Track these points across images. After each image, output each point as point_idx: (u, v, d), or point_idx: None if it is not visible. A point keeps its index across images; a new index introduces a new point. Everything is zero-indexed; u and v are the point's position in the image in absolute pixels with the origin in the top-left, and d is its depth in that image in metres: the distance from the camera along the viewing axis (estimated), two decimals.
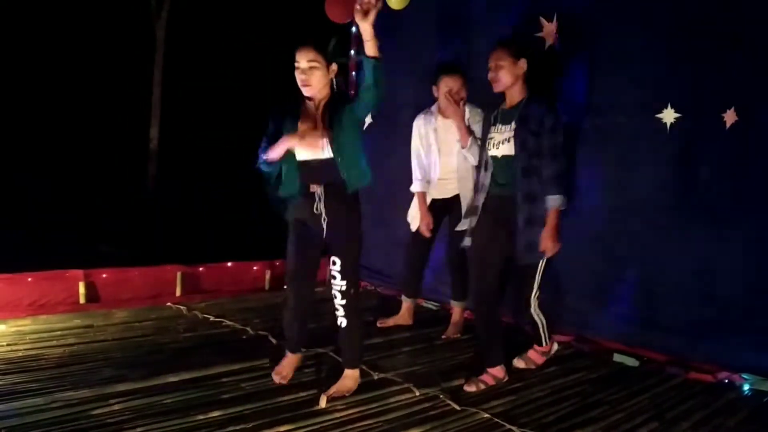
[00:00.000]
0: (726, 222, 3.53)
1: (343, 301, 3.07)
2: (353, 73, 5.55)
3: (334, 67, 3.04)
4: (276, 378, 3.22)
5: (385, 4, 4.85)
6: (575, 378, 3.45)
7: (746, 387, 3.37)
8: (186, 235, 8.46)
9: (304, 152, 3.03)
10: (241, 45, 13.77)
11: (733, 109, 3.47)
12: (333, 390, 3.05)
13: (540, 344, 3.55)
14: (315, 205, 3.05)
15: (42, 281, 4.37)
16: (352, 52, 5.56)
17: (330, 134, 2.97)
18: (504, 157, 3.26)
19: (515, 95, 3.29)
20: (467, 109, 4.00)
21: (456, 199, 4.11)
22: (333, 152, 2.98)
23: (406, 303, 4.44)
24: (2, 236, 6.92)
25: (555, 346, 3.66)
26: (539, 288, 3.38)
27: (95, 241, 7.48)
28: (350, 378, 3.14)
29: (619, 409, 3.05)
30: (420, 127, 4.21)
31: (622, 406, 3.08)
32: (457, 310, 4.30)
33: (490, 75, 3.27)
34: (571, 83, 4.15)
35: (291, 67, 3.03)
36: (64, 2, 12.62)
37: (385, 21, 5.22)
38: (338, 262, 3.06)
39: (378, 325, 4.31)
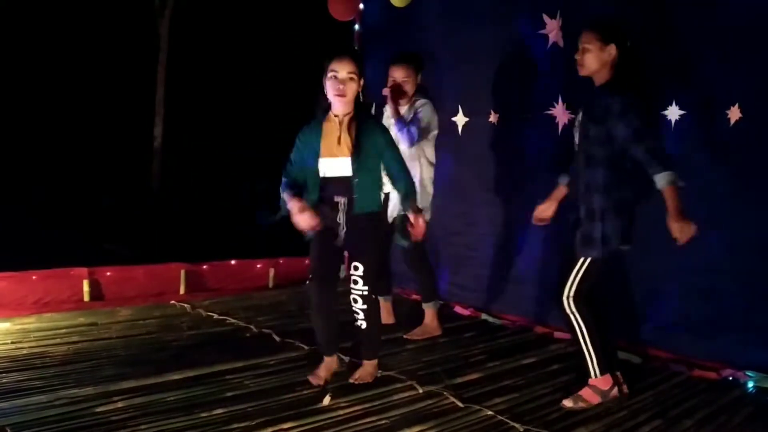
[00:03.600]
0: (730, 218, 3.52)
1: (365, 306, 3.15)
2: None
3: (361, 81, 3.08)
4: (312, 380, 3.18)
5: (389, 4, 4.88)
6: (578, 376, 3.44)
7: (750, 384, 3.36)
8: (190, 233, 8.47)
9: (326, 167, 3.09)
10: (245, 43, 13.78)
11: (737, 105, 3.46)
12: (357, 375, 3.24)
13: (588, 374, 3.04)
14: (338, 215, 3.12)
15: (46, 279, 4.39)
16: (355, 49, 5.56)
17: (355, 154, 3.05)
18: (578, 146, 3.08)
19: (599, 82, 3.02)
20: (418, 103, 3.98)
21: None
22: (353, 172, 3.06)
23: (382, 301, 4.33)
24: (7, 235, 6.95)
25: (615, 391, 3.04)
26: (578, 286, 3.02)
27: (100, 240, 7.51)
28: (371, 365, 3.28)
29: (622, 406, 3.04)
30: (384, 116, 4.17)
31: (626, 404, 3.07)
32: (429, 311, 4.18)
33: (577, 57, 3.04)
34: (574, 80, 4.14)
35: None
36: (69, 2, 12.64)
37: (389, 19, 5.26)
38: (360, 267, 3.13)
39: (406, 336, 4.14)
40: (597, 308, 3.10)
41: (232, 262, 5.29)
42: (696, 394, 3.25)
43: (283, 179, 3.13)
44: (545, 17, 4.23)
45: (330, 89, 3.03)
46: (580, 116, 3.10)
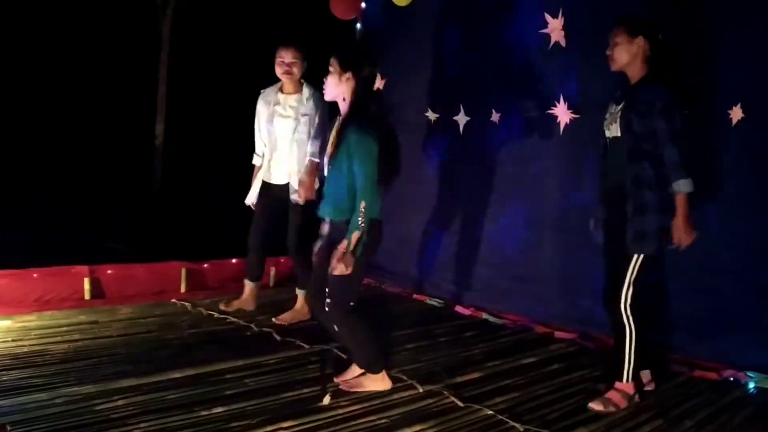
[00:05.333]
0: (731, 218, 3.52)
1: (327, 310, 3.06)
2: None
3: (348, 75, 2.96)
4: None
5: (391, 3, 4.88)
6: (579, 375, 3.45)
7: (751, 385, 3.36)
8: (191, 232, 8.47)
9: (324, 163, 3.14)
10: (247, 42, 13.77)
11: (739, 105, 3.45)
12: (350, 381, 3.12)
13: (620, 378, 3.03)
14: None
15: (47, 277, 4.38)
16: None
17: (332, 156, 3.01)
18: (614, 138, 3.08)
19: (634, 75, 3.06)
20: (305, 90, 4.05)
21: (287, 187, 4.09)
22: (327, 172, 3.06)
23: (248, 286, 4.36)
24: (8, 233, 6.95)
25: (637, 398, 3.07)
26: (634, 286, 2.99)
27: (101, 239, 7.50)
28: (367, 379, 3.13)
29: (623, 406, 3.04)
30: (261, 101, 4.20)
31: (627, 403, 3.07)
32: (300, 298, 4.27)
33: (608, 52, 3.09)
34: (576, 79, 4.14)
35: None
36: (71, 0, 12.64)
37: (390, 18, 5.26)
38: (329, 280, 3.02)
39: (221, 307, 4.26)
40: (644, 311, 3.08)
41: (233, 260, 5.26)
42: (697, 395, 3.25)
43: None
44: (547, 16, 4.23)
45: None
46: (614, 109, 3.09)
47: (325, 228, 3.14)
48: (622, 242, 2.99)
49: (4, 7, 11.61)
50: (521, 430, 2.74)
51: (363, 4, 5.45)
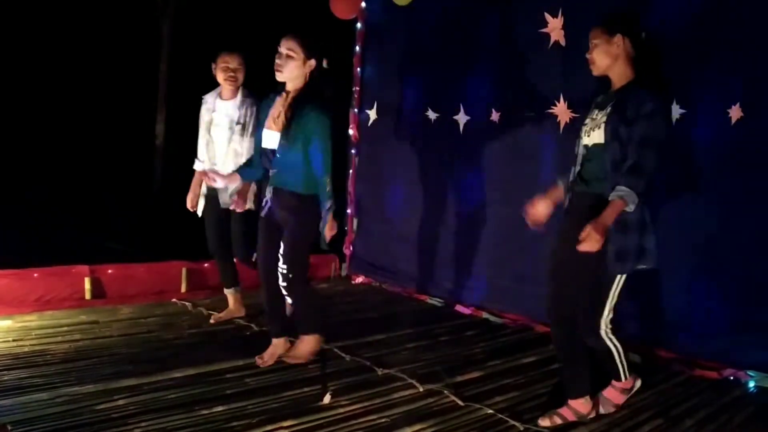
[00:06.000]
0: (732, 217, 3.52)
1: (284, 283, 3.32)
2: (358, 68, 5.55)
3: (311, 62, 3.20)
4: (258, 361, 3.39)
5: (391, 2, 4.88)
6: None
7: (751, 384, 3.36)
8: (191, 232, 8.48)
9: (264, 138, 3.30)
10: (247, 41, 13.77)
11: (738, 104, 3.45)
12: (290, 354, 3.40)
13: (618, 378, 2.93)
14: (268, 187, 3.32)
15: (48, 277, 4.38)
16: (357, 48, 5.56)
17: (285, 129, 3.19)
18: (594, 145, 2.79)
19: (618, 78, 2.80)
20: (239, 95, 4.05)
21: (225, 191, 4.02)
22: (278, 147, 3.22)
23: (229, 293, 4.27)
24: (8, 233, 6.95)
25: (638, 383, 3.02)
26: (613, 310, 2.80)
27: (101, 239, 7.50)
28: (304, 342, 3.42)
29: (623, 405, 3.04)
30: (203, 108, 4.15)
31: (627, 403, 3.06)
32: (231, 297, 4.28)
33: (588, 56, 2.85)
34: (576, 79, 4.14)
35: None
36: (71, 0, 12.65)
37: (390, 18, 5.26)
38: (282, 246, 3.30)
39: (211, 321, 4.15)
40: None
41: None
42: (697, 394, 3.25)
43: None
44: (547, 16, 4.23)
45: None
46: (596, 114, 2.88)
47: (266, 201, 3.35)
48: (601, 259, 2.70)
49: (5, 8, 11.60)
50: (521, 429, 2.75)
51: (363, 4, 5.45)
